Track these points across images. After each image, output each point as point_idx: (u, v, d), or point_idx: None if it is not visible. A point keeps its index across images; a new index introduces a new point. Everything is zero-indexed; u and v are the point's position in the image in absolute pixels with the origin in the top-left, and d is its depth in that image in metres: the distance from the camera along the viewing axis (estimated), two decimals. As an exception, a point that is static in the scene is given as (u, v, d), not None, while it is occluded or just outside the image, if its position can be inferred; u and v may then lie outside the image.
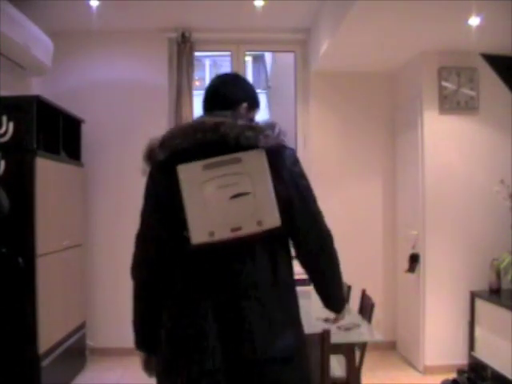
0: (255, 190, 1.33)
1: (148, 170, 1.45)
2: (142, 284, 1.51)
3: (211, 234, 1.30)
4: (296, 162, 1.46)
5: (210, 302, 1.36)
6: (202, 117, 1.51)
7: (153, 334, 1.47)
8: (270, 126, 1.41)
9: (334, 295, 1.57)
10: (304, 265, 1.48)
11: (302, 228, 1.43)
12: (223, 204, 1.32)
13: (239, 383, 1.33)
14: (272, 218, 1.33)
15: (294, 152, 1.48)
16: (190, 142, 1.37)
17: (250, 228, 1.32)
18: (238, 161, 1.34)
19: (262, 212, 1.33)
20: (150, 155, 1.42)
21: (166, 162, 1.37)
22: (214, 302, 1.36)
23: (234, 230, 1.31)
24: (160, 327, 1.44)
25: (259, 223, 1.32)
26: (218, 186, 1.32)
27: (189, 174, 1.33)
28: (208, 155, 1.34)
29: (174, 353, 1.38)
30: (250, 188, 1.33)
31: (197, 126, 1.40)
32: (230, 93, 1.55)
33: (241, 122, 1.39)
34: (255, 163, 1.34)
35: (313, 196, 1.47)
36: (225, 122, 1.37)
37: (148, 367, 1.58)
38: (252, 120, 1.52)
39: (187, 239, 1.33)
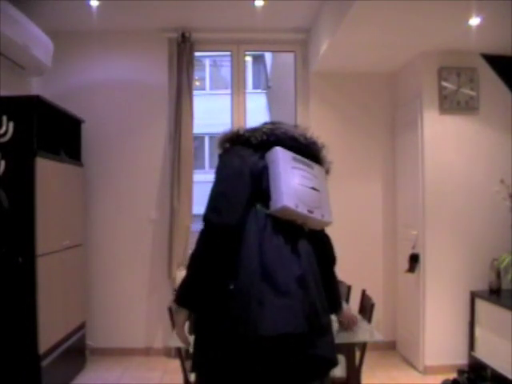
0: (322, 192, 1.69)
1: (226, 150, 1.69)
2: (214, 243, 1.55)
3: (296, 205, 1.57)
4: None
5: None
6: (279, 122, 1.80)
7: (201, 292, 1.56)
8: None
9: (338, 301, 1.96)
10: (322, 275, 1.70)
11: (331, 246, 1.83)
12: (306, 189, 1.63)
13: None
14: (329, 216, 1.70)
15: None
16: (286, 137, 1.69)
17: (317, 215, 1.64)
18: (312, 167, 1.71)
19: (325, 209, 1.68)
20: (237, 138, 1.69)
21: (258, 144, 1.67)
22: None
23: (309, 211, 1.61)
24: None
25: (322, 216, 1.66)
26: (303, 175, 1.65)
27: (284, 155, 1.63)
28: (293, 151, 1.67)
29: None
30: (320, 188, 1.69)
31: (291, 129, 1.74)
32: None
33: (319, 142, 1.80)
34: (321, 176, 1.74)
35: None
36: (311, 136, 1.78)
37: (182, 329, 1.64)
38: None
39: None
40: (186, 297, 1.59)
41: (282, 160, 1.61)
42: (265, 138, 1.66)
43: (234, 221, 1.52)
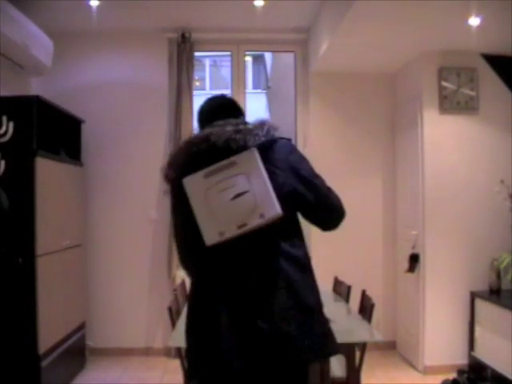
0: (253, 188, 1.46)
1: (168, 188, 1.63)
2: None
3: (221, 233, 1.44)
4: (292, 150, 1.61)
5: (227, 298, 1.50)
6: (200, 131, 1.64)
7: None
8: (259, 124, 1.55)
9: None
10: (317, 225, 1.67)
11: (317, 201, 1.60)
12: (226, 205, 1.45)
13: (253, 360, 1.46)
14: (273, 209, 1.46)
15: (288, 142, 1.62)
16: (189, 156, 1.52)
17: (253, 222, 1.45)
18: (233, 164, 1.48)
19: (263, 205, 1.45)
20: (166, 175, 1.59)
21: (176, 178, 1.53)
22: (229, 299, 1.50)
23: (239, 226, 1.45)
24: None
25: (261, 216, 1.45)
26: (219, 190, 1.46)
27: (193, 184, 1.48)
28: (206, 164, 1.48)
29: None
30: (248, 186, 1.46)
31: (192, 141, 1.55)
32: (226, 104, 1.74)
33: (230, 127, 1.52)
34: (248, 162, 1.48)
35: (316, 175, 1.63)
36: (213, 132, 1.52)
37: None
38: (245, 123, 1.60)
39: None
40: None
41: (191, 193, 1.48)
42: (175, 170, 1.55)
43: (192, 262, 1.62)
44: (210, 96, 1.80)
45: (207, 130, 1.54)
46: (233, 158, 1.48)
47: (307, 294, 1.54)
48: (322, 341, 1.53)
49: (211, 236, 1.45)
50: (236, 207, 1.45)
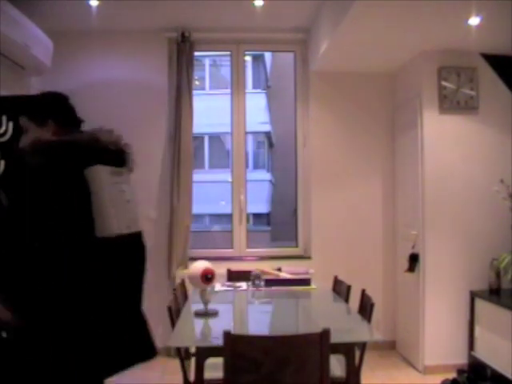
0: (134, 200, 1.60)
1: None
2: None
3: (128, 227, 1.52)
4: None
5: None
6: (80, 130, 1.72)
7: None
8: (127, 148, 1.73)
9: None
10: None
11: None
12: (125, 205, 1.55)
13: None
14: (138, 224, 1.63)
15: None
16: (84, 151, 1.53)
17: (133, 228, 1.58)
18: (122, 174, 1.59)
19: (136, 218, 1.61)
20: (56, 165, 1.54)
21: (75, 168, 1.49)
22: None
23: (128, 227, 1.55)
24: None
25: (129, 227, 1.57)
26: (119, 190, 1.54)
27: (102, 175, 1.50)
28: (106, 163, 1.53)
29: None
30: (132, 197, 1.59)
31: (98, 136, 1.60)
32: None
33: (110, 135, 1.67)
34: (127, 179, 1.63)
35: None
36: (101, 135, 1.61)
37: None
38: None
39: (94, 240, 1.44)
40: None
41: (101, 182, 1.47)
42: (82, 152, 1.52)
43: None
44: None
45: (114, 137, 1.65)
46: (123, 169, 1.60)
47: None
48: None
49: (119, 227, 1.47)
50: (129, 210, 1.56)
